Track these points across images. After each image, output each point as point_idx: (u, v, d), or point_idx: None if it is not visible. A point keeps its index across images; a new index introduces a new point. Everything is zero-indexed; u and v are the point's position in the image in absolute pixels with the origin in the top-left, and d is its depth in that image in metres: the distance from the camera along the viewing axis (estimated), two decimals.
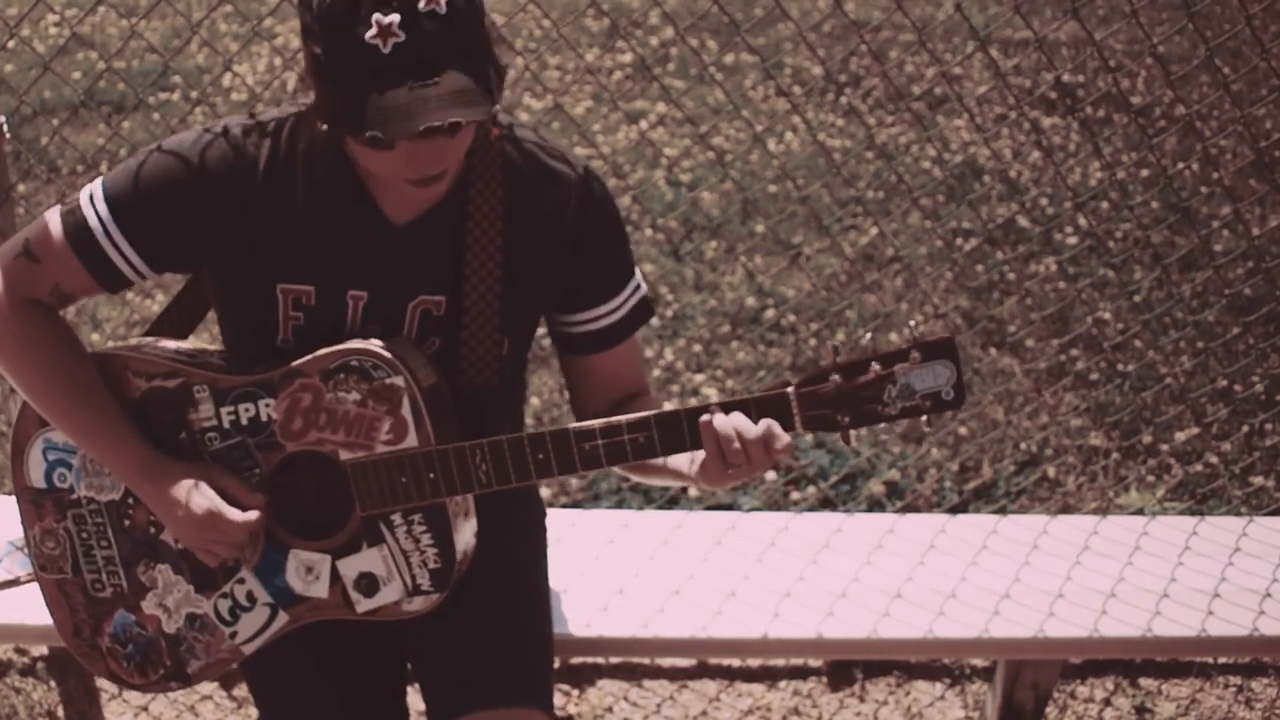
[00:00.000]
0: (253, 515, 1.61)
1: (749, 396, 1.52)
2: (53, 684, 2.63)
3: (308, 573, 1.67)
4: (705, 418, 1.51)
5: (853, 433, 1.51)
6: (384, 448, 1.58)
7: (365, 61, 1.38)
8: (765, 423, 1.50)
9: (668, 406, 1.67)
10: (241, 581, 1.68)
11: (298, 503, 1.66)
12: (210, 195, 1.58)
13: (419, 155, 1.45)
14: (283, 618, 1.70)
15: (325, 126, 1.48)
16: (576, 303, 1.72)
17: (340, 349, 1.58)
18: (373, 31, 1.36)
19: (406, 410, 1.57)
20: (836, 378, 1.49)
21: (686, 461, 1.62)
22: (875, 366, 1.48)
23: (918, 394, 1.48)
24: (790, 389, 1.50)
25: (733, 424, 1.50)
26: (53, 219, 1.61)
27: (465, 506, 1.67)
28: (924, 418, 1.49)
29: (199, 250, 1.63)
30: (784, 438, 1.50)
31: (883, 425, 1.54)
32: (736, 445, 1.50)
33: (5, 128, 2.28)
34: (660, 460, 1.61)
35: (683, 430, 1.53)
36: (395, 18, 1.36)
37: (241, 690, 2.66)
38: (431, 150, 1.46)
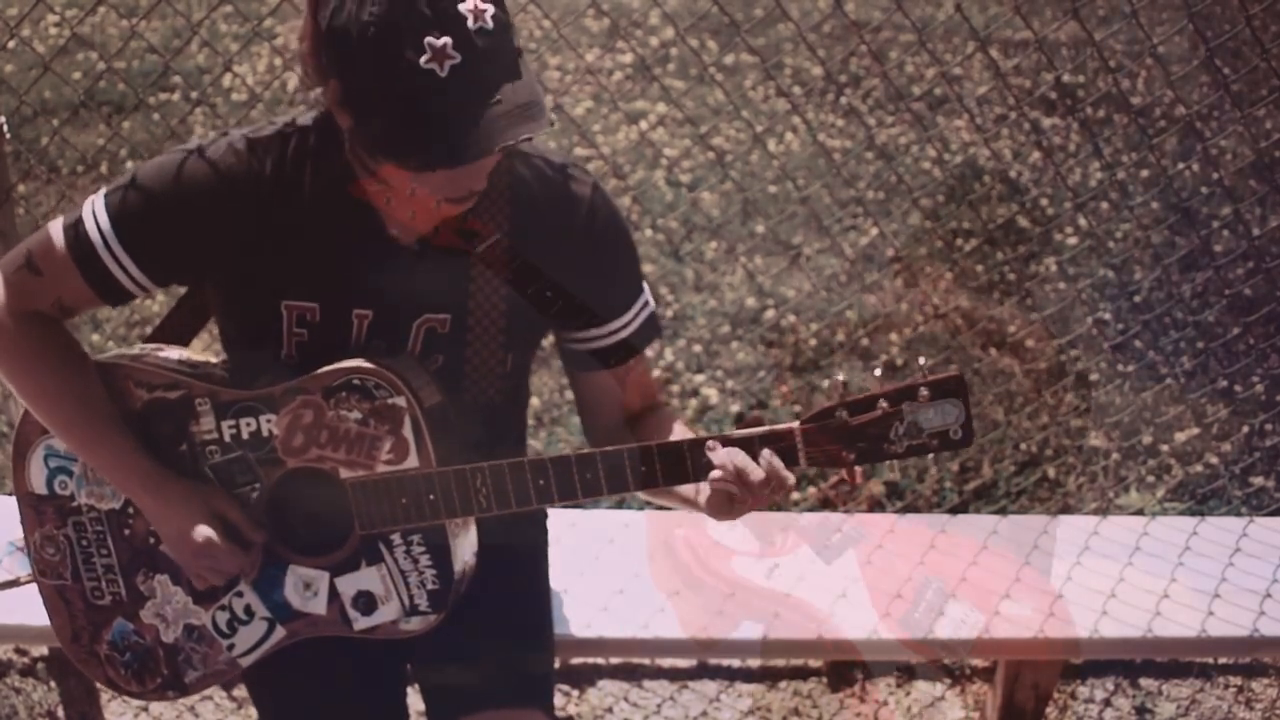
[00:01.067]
0: (247, 555, 1.60)
1: (754, 431, 1.49)
2: (53, 684, 2.63)
3: (306, 589, 1.66)
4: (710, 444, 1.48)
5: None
6: (385, 468, 1.57)
7: (423, 87, 1.34)
8: (768, 462, 1.47)
9: (678, 426, 1.64)
10: (239, 595, 1.68)
11: (298, 518, 1.65)
12: (213, 209, 1.56)
13: (462, 175, 1.45)
14: (280, 632, 1.68)
15: (371, 157, 1.46)
16: (583, 320, 1.70)
17: (343, 367, 1.56)
18: (427, 56, 1.33)
19: (408, 430, 1.55)
20: (843, 414, 1.46)
21: (692, 490, 1.59)
22: (882, 404, 1.45)
23: (925, 432, 1.45)
24: (795, 425, 1.48)
25: (734, 463, 1.47)
26: (55, 231, 1.60)
27: (465, 521, 1.66)
28: (930, 456, 1.47)
29: (201, 264, 1.62)
30: (788, 478, 1.48)
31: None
32: (738, 485, 1.47)
33: (5, 128, 2.28)
34: (665, 489, 1.58)
35: (685, 463, 1.50)
36: (448, 40, 1.33)
37: (241, 691, 2.66)
38: (475, 168, 1.45)
